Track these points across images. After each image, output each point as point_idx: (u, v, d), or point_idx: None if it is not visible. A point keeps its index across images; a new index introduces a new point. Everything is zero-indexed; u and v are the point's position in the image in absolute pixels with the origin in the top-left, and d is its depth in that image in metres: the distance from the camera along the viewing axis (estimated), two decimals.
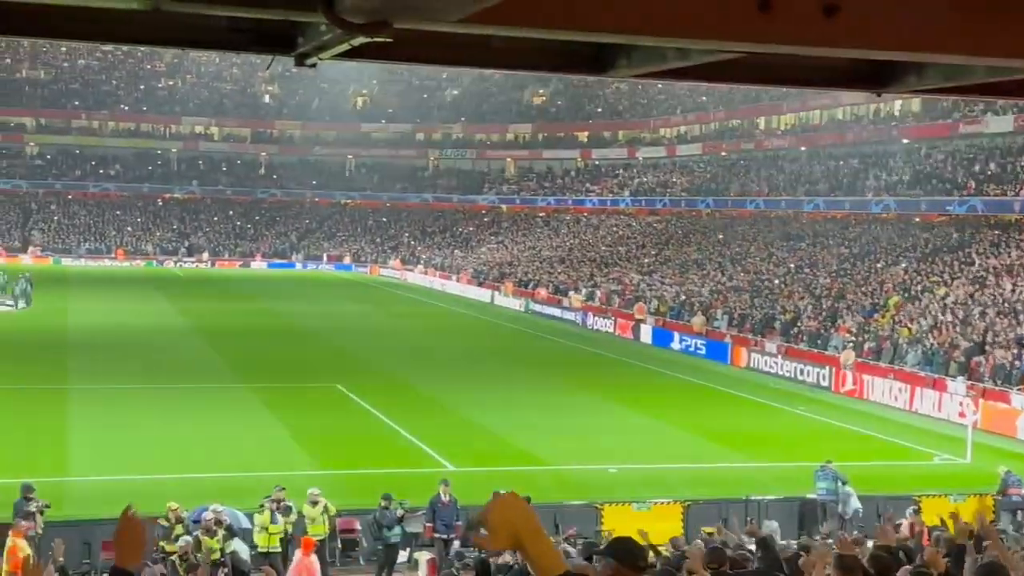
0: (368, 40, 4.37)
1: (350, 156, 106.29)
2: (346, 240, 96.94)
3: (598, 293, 59.42)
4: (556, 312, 58.48)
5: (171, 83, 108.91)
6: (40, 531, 17.02)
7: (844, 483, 20.46)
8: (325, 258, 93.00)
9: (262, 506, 17.59)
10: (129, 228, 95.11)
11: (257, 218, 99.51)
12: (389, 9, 3.81)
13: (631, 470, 24.93)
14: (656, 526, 17.55)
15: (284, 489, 18.13)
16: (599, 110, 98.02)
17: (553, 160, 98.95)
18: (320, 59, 5.31)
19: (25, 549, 15.41)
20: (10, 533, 15.55)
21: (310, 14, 4.09)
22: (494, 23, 4.34)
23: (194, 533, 16.79)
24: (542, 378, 37.85)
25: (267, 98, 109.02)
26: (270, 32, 5.31)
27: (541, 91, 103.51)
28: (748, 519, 20.20)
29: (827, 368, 37.62)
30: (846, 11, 4.70)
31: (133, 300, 59.69)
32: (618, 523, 18.22)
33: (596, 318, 54.39)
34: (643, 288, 57.99)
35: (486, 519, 2.99)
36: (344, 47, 4.84)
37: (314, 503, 17.90)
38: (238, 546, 17.24)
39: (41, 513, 17.18)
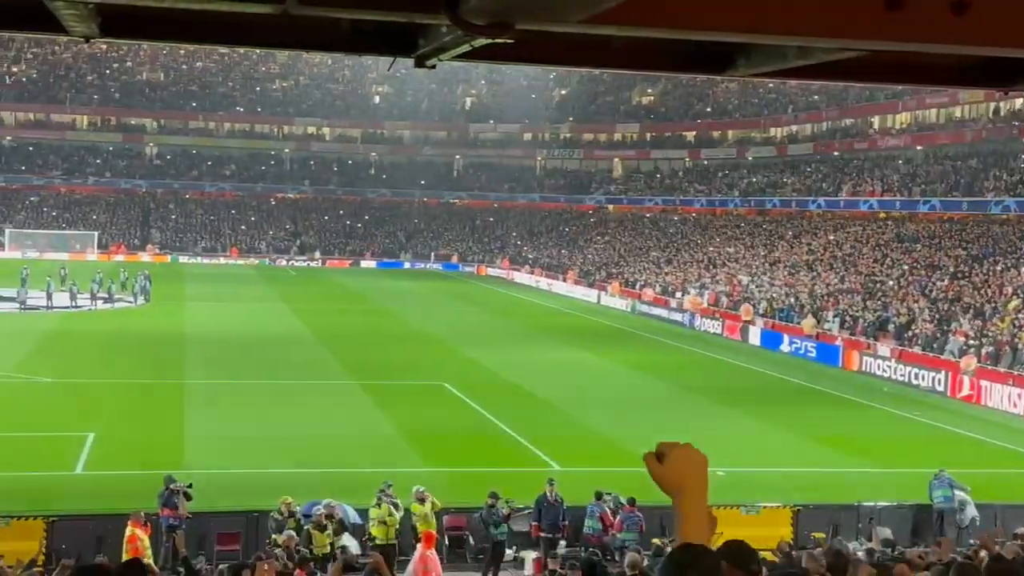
0: (489, 42, 4.41)
1: (458, 156, 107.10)
2: (453, 240, 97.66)
3: (706, 294, 58.86)
4: (663, 313, 58.09)
5: (284, 85, 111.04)
6: (187, 514, 17.44)
7: (961, 491, 19.94)
8: (433, 257, 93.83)
9: (379, 500, 17.81)
10: (243, 227, 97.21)
11: (367, 218, 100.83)
12: (512, 11, 3.83)
13: (739, 473, 24.59)
14: (765, 531, 17.34)
15: (392, 485, 18.34)
16: (708, 110, 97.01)
17: (661, 160, 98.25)
18: (440, 60, 5.36)
19: (144, 539, 15.83)
20: (129, 523, 15.98)
21: (433, 16, 4.14)
22: (615, 23, 4.32)
23: (305, 527, 17.09)
24: (648, 379, 37.62)
25: (377, 99, 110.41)
26: (391, 34, 5.38)
27: (649, 91, 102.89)
28: (859, 525, 19.87)
29: (943, 373, 36.68)
30: (976, 8, 4.57)
31: (247, 297, 61.02)
32: (726, 527, 17.98)
33: (704, 319, 53.89)
34: (752, 289, 57.27)
35: (666, 455, 3.13)
36: (464, 48, 4.88)
37: (421, 500, 18.06)
38: (348, 541, 17.46)
39: (187, 496, 17.54)
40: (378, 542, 17.49)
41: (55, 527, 17.45)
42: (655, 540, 17.75)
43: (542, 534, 18.39)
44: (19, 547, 16.16)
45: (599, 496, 18.59)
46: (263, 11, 4.31)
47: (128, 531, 15.82)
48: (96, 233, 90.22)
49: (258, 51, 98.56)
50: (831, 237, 65.34)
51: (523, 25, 3.98)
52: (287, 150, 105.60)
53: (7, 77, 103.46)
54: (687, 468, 3.12)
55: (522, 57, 5.84)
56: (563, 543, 18.24)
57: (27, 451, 24.14)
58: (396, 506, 17.90)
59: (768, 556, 13.27)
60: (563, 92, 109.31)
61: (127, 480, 21.77)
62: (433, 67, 5.55)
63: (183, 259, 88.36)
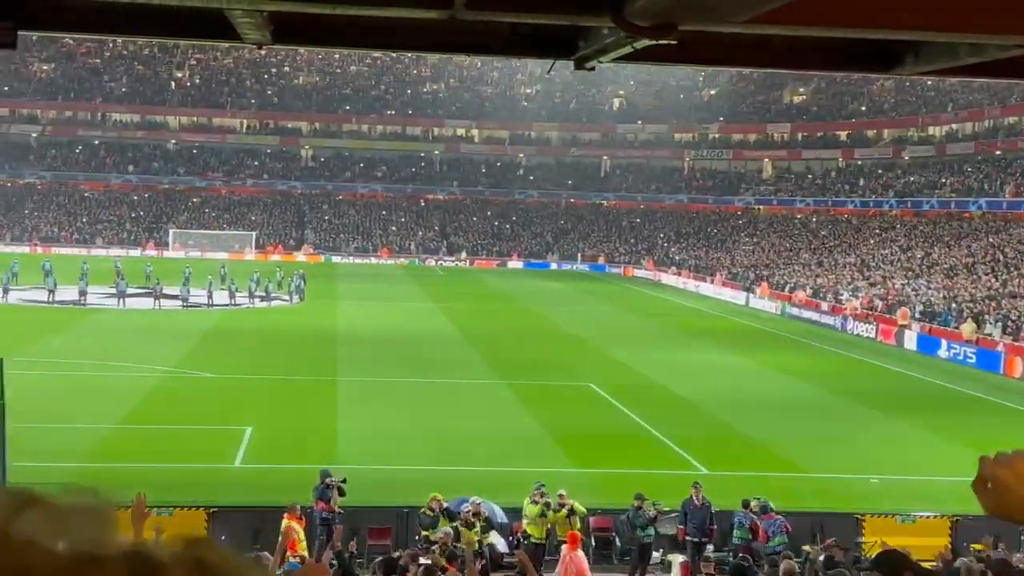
0: (651, 43, 4.41)
1: (605, 157, 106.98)
2: (600, 241, 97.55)
3: (859, 297, 57.42)
4: (814, 316, 56.90)
5: (435, 87, 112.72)
6: (338, 509, 17.85)
7: None
8: (579, 258, 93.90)
9: (533, 499, 17.92)
10: (393, 228, 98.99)
11: (514, 218, 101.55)
12: (677, 12, 3.83)
13: (894, 481, 23.97)
14: (922, 540, 16.84)
15: (544, 484, 18.41)
16: (862, 108, 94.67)
17: (812, 160, 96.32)
18: (600, 62, 5.39)
19: (299, 532, 16.24)
20: (284, 516, 16.41)
21: (596, 18, 4.17)
22: (779, 23, 4.27)
23: (453, 524, 17.29)
24: (798, 383, 36.90)
25: (526, 101, 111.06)
26: (551, 36, 5.42)
27: (801, 89, 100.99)
28: (1022, 536, 19.10)
29: None
30: None
31: (396, 297, 62.14)
32: (881, 535, 17.57)
33: (857, 323, 52.58)
34: (907, 292, 55.62)
35: (998, 472, 2.22)
36: (626, 50, 4.88)
37: (560, 506, 18.07)
38: (495, 539, 17.62)
39: (340, 492, 17.95)
40: (532, 540, 17.60)
41: (215, 517, 18.07)
42: (805, 547, 17.43)
43: (688, 538, 18.23)
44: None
45: (746, 504, 18.32)
46: (430, 16, 4.40)
47: (284, 523, 16.22)
48: (254, 233, 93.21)
49: (410, 55, 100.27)
50: (992, 239, 63.00)
51: (687, 26, 3.97)
52: (437, 152, 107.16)
53: (172, 83, 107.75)
54: None
55: (682, 59, 5.81)
56: (710, 547, 18.04)
57: (189, 444, 25.01)
58: (548, 505, 17.98)
59: (927, 566, 12.88)
60: (712, 92, 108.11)
61: (283, 473, 22.39)
62: (592, 69, 5.58)
63: (336, 259, 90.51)
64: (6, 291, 51.58)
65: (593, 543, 19.27)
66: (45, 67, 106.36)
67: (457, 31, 5.11)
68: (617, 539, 19.31)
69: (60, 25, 5.78)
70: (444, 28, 4.94)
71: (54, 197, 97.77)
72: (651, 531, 18.13)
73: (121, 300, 50.76)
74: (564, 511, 17.89)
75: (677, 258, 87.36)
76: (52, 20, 5.00)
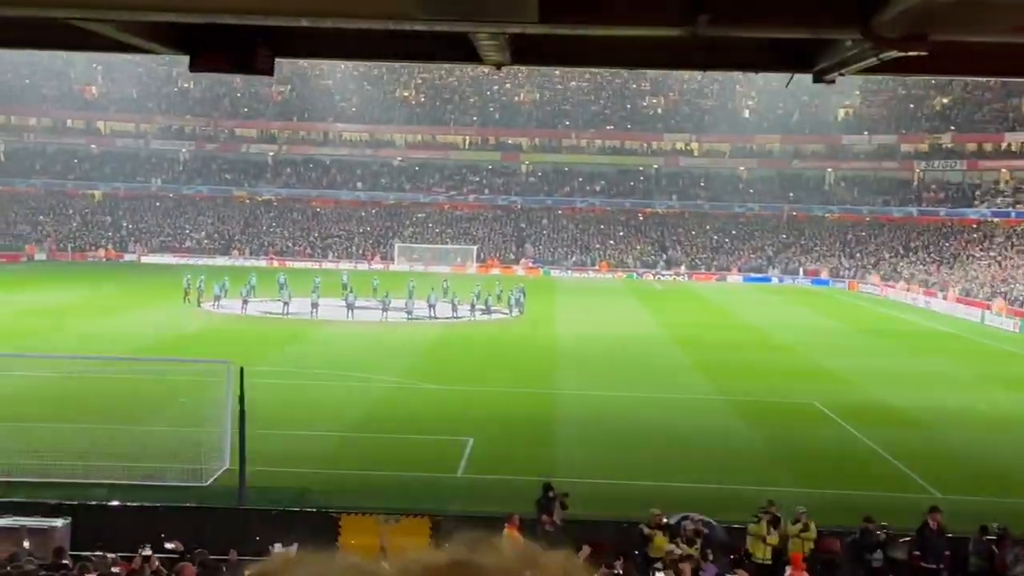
0: (899, 55, 4.28)
1: (829, 169, 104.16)
2: (824, 255, 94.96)
3: None
4: None
5: (654, 101, 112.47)
6: (559, 522, 18.05)
7: None
8: (802, 272, 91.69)
9: (758, 517, 17.63)
10: (611, 241, 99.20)
11: (734, 232, 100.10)
12: (931, 22, 3.71)
13: None
14: None
15: (775, 503, 18.04)
16: None
17: None
18: (841, 75, 5.27)
19: (519, 541, 16.44)
20: (506, 525, 16.65)
21: (841, 31, 4.09)
22: None
23: (673, 540, 17.15)
24: None
25: (747, 113, 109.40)
26: (789, 50, 5.35)
27: None
28: None
29: None
30: None
31: (614, 310, 62.18)
32: None
33: None
34: None
35: None
36: (870, 62, 4.77)
37: (795, 521, 17.68)
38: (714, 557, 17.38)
39: (562, 505, 18.16)
40: (755, 560, 17.29)
41: (439, 526, 18.50)
42: None
43: (923, 564, 17.49)
44: (407, 543, 17.21)
45: (984, 530, 17.44)
46: (671, 34, 4.42)
47: (505, 533, 16.47)
48: (475, 247, 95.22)
49: (626, 71, 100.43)
50: None
51: (939, 36, 3.85)
52: (656, 165, 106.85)
53: (399, 103, 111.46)
54: None
55: (931, 69, 5.63)
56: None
57: (413, 453, 25.73)
58: (777, 523, 17.61)
59: None
60: (944, 100, 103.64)
61: (504, 484, 22.71)
62: (832, 82, 5.47)
63: (554, 273, 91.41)
64: (245, 303, 54.40)
65: (819, 567, 18.75)
66: (281, 89, 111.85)
67: (696, 48, 5.10)
68: (843, 562, 18.70)
69: (315, 52, 6.08)
70: (682, 45, 4.94)
71: (288, 213, 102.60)
72: (880, 555, 17.51)
73: (350, 312, 52.79)
74: (798, 527, 17.50)
75: (906, 273, 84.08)
76: (308, 47, 5.28)
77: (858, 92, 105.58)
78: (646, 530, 17.46)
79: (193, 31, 5.98)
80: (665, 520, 17.92)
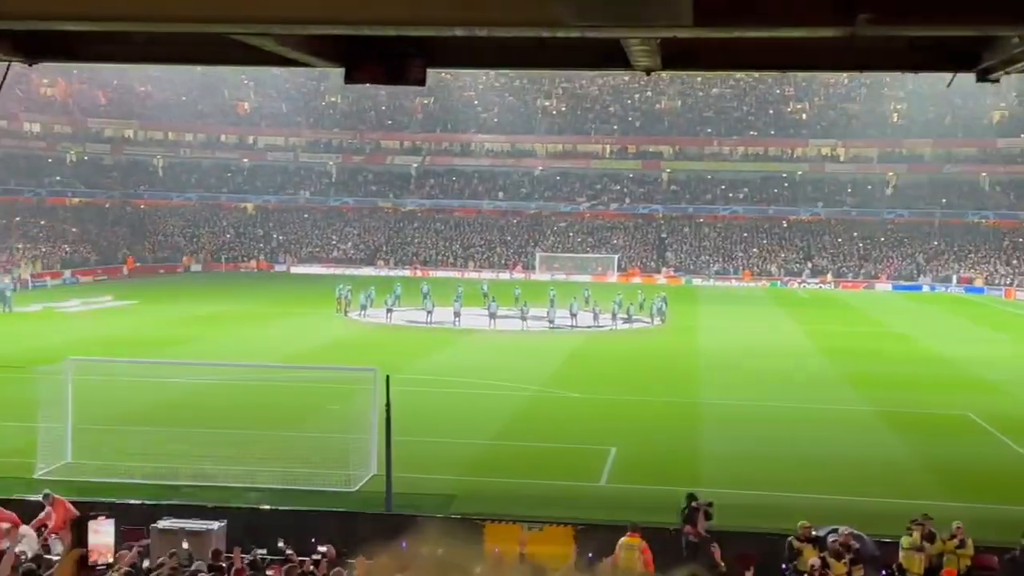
0: None
1: (984, 173, 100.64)
2: (978, 262, 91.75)
3: None
4: None
5: (799, 106, 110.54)
6: (704, 533, 17.87)
7: None
8: (955, 280, 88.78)
9: (910, 530, 17.14)
10: (755, 249, 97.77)
11: (882, 239, 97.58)
12: None
13: None
14: None
15: (930, 517, 17.49)
16: None
17: None
18: (1007, 73, 5.10)
19: (634, 551, 16.32)
20: (628, 533, 16.54)
21: (1008, 27, 3.95)
22: None
23: (822, 555, 16.77)
24: None
25: (896, 116, 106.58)
26: (950, 49, 5.20)
27: None
28: None
29: None
30: None
31: (758, 319, 61.24)
32: None
33: None
34: None
35: None
36: None
37: (952, 536, 17.09)
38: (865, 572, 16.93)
39: (707, 516, 17.99)
40: (910, 574, 16.79)
41: (582, 534, 18.46)
42: None
43: None
44: (551, 551, 17.22)
45: None
46: (830, 35, 4.34)
47: (623, 541, 16.37)
48: (616, 256, 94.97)
49: (773, 75, 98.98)
50: None
51: None
52: (800, 172, 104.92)
53: (540, 113, 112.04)
54: None
55: None
56: None
57: (556, 461, 25.77)
58: (931, 539, 17.07)
59: None
60: None
61: (648, 494, 22.59)
62: (996, 81, 5.30)
63: (696, 281, 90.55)
64: (390, 312, 55.38)
65: None
66: (424, 101, 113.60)
67: (854, 48, 5.00)
68: None
69: (466, 61, 6.18)
70: (841, 45, 4.85)
71: (431, 223, 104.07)
72: None
73: (492, 321, 53.22)
74: (954, 542, 16.93)
75: None
76: (458, 57, 5.37)
77: (1015, 93, 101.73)
78: (796, 543, 17.11)
79: (350, 44, 6.14)
80: (814, 533, 17.55)
